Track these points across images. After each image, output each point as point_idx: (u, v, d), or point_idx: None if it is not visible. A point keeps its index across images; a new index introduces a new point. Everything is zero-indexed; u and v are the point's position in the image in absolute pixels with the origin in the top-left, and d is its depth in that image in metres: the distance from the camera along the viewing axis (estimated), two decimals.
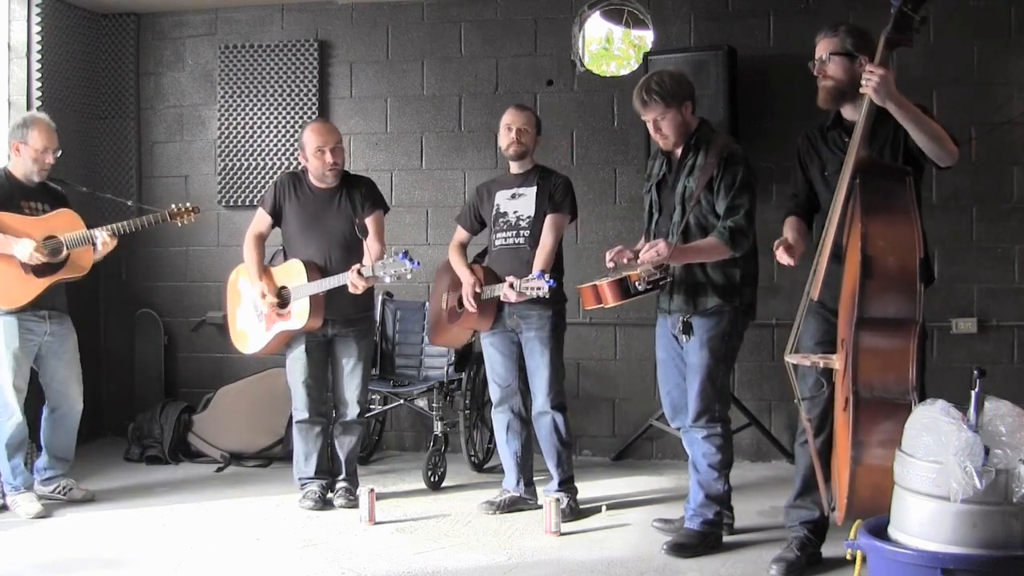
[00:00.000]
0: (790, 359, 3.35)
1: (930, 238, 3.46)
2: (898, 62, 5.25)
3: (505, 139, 4.54)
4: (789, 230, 3.62)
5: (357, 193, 4.66)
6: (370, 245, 4.54)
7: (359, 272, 4.33)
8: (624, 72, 6.79)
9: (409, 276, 4.27)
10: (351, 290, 4.39)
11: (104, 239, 4.54)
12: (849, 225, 3.19)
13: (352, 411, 4.70)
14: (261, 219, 4.75)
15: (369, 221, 4.59)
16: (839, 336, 3.27)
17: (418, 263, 4.27)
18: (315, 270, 4.55)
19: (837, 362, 3.19)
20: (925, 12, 3.04)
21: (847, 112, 3.47)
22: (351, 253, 4.56)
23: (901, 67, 5.27)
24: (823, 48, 3.45)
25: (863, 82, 3.11)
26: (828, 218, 3.30)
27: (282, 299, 4.58)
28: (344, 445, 4.75)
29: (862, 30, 3.43)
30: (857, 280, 3.01)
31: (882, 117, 3.20)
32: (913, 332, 2.99)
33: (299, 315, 4.54)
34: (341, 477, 4.75)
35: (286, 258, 4.72)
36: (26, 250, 4.39)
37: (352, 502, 4.58)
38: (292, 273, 4.59)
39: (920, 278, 3.02)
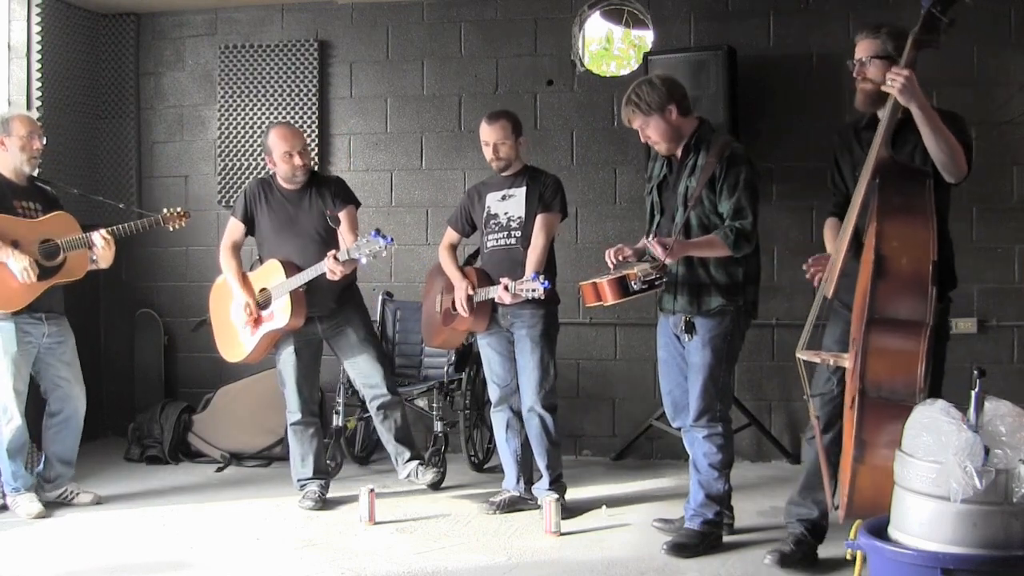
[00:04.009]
0: (801, 355, 3.33)
1: None
2: None
3: (486, 154, 4.57)
4: (829, 236, 3.60)
5: (327, 191, 4.69)
6: (344, 236, 4.55)
7: (335, 257, 4.34)
8: (624, 72, 6.80)
9: (384, 253, 4.26)
10: (330, 277, 4.39)
11: (101, 242, 4.50)
12: (868, 225, 3.18)
13: (380, 391, 4.71)
14: (234, 228, 4.75)
15: (342, 216, 4.61)
16: (851, 335, 3.26)
17: (391, 239, 4.25)
18: (293, 268, 4.56)
19: (848, 360, 3.18)
20: (953, 14, 3.02)
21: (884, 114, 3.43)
22: (327, 248, 4.53)
23: None
24: (863, 50, 3.39)
25: (888, 82, 3.09)
26: (847, 217, 3.29)
27: (263, 302, 4.60)
28: (390, 428, 4.75)
29: (905, 33, 3.29)
30: (869, 279, 3.01)
31: (913, 119, 3.18)
32: (923, 335, 2.97)
33: (282, 313, 4.54)
34: (407, 458, 4.75)
35: (262, 263, 4.73)
36: (19, 267, 4.36)
37: (439, 472, 4.84)
38: (270, 274, 4.61)
39: (933, 281, 3.00)
